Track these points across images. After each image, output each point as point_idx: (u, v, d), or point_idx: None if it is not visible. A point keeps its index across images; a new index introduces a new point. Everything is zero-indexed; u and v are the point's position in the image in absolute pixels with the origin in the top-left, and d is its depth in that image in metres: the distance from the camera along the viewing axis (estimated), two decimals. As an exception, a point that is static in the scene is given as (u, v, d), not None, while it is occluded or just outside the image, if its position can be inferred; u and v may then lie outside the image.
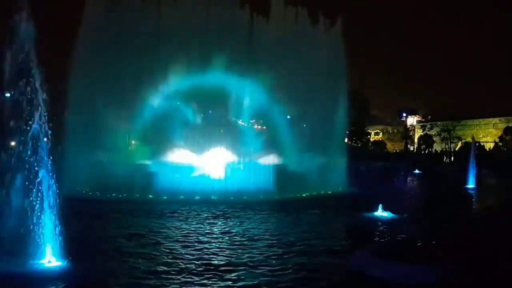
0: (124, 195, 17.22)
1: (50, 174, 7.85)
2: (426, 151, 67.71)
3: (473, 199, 20.06)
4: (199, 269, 7.83)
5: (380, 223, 13.00)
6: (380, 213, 14.34)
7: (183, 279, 7.29)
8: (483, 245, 8.38)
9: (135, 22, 19.91)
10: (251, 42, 20.44)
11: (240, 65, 19.92)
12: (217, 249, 9.33)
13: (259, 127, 23.58)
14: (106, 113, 18.78)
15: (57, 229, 7.76)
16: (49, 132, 7.97)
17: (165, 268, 7.80)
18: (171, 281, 7.17)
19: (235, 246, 9.71)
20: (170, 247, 9.41)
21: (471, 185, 24.13)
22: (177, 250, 9.16)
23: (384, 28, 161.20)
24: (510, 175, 26.83)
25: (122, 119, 19.28)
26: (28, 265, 7.48)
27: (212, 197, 17.27)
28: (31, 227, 7.62)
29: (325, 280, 7.41)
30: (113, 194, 17.39)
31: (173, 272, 7.59)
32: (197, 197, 17.02)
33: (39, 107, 7.83)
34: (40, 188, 7.71)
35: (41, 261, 7.65)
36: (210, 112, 20.88)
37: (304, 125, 23.16)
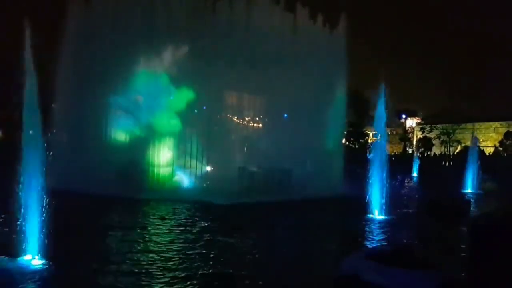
0: None
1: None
2: (425, 154, 67.39)
3: (473, 204, 19.75)
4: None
5: (376, 227, 12.76)
6: (377, 216, 14.09)
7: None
8: (483, 250, 8.07)
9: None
10: (249, 38, 20.15)
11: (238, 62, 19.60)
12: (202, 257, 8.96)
13: (255, 125, 23.27)
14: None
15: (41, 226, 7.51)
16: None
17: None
18: None
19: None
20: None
21: (470, 189, 23.98)
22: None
23: (384, 29, 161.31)
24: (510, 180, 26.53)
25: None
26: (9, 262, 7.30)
27: None
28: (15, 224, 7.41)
29: (318, 284, 7.17)
30: None
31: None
32: None
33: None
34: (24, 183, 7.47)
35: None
36: (205, 108, 20.54)
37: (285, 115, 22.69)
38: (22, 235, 7.54)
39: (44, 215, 7.58)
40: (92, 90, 19.36)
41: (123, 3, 20.22)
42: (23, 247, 7.55)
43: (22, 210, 7.49)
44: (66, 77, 19.71)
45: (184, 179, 19.45)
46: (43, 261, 7.52)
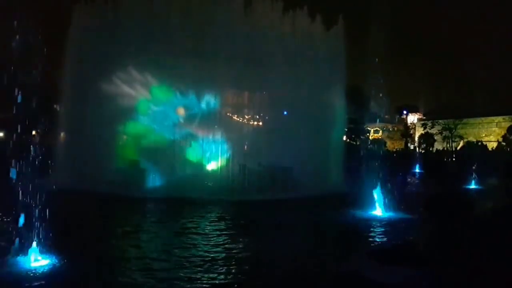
0: None
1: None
2: (427, 150, 67.13)
3: (475, 200, 19.67)
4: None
5: (378, 224, 12.72)
6: (379, 213, 14.06)
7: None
8: (484, 248, 8.06)
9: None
10: (247, 35, 20.10)
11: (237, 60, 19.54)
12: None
13: (255, 123, 23.19)
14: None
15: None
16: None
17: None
18: None
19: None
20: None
21: (473, 185, 23.87)
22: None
23: (385, 24, 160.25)
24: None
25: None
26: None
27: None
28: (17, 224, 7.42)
29: (320, 282, 7.15)
30: None
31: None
32: None
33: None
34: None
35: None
36: (204, 106, 20.57)
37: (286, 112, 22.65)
38: (25, 235, 7.54)
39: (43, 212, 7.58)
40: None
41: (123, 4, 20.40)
42: (27, 246, 7.55)
43: (25, 210, 7.49)
44: (71, 79, 19.92)
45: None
46: (46, 261, 7.52)
